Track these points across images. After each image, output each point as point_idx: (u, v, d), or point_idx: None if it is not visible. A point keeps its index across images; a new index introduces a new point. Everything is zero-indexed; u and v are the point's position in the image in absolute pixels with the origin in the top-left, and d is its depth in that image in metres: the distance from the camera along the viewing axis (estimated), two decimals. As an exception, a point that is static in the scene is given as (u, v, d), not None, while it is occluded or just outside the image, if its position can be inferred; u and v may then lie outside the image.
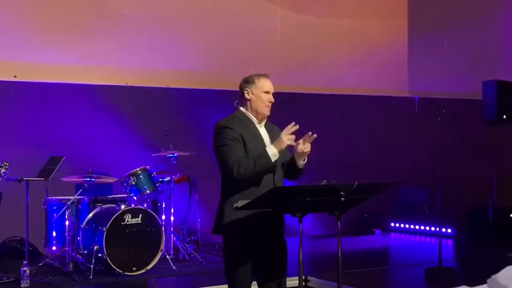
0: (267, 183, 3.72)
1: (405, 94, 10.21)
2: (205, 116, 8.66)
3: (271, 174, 3.77)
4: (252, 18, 9.13)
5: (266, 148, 3.72)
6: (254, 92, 3.84)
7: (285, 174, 3.90)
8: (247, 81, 3.87)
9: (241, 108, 3.90)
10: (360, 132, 9.58)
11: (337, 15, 9.79)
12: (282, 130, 3.78)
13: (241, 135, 3.73)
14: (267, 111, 3.86)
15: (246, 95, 3.86)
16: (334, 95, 9.57)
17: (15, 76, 7.72)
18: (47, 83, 7.86)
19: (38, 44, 7.86)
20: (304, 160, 3.81)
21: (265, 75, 3.90)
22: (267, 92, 3.85)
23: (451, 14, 10.32)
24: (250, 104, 3.86)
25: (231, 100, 9.41)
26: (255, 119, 3.87)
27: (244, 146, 3.74)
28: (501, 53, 10.74)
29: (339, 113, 9.47)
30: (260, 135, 3.84)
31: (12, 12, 7.80)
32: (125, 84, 8.29)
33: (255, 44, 9.12)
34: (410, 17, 10.29)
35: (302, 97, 9.21)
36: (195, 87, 8.67)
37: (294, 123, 3.70)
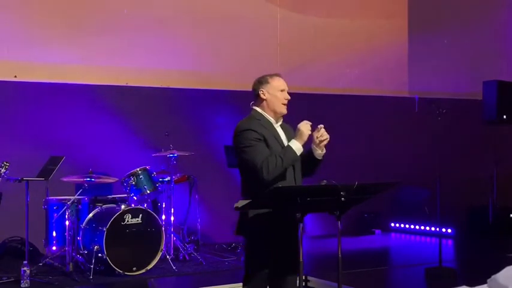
0: (289, 182, 3.76)
1: (405, 94, 10.21)
2: (206, 116, 8.67)
3: (292, 173, 3.81)
4: (252, 18, 9.13)
5: (289, 143, 3.78)
6: (270, 92, 3.88)
7: (303, 170, 3.92)
8: (261, 82, 3.91)
9: (257, 109, 3.93)
10: (359, 132, 9.58)
11: (337, 15, 9.79)
12: (293, 128, 3.87)
13: (263, 135, 3.77)
14: (284, 110, 3.91)
15: (261, 95, 3.89)
16: (334, 95, 9.57)
17: (15, 76, 7.72)
18: (47, 83, 7.86)
19: (38, 44, 7.85)
20: (322, 151, 3.86)
21: (278, 74, 3.96)
22: (282, 91, 3.90)
23: (451, 14, 10.32)
24: (266, 104, 3.89)
25: (230, 100, 9.47)
26: (272, 118, 3.90)
27: (266, 145, 3.77)
28: (501, 53, 10.74)
29: (339, 113, 9.46)
30: (278, 135, 3.88)
31: (12, 12, 7.80)
32: (125, 84, 8.29)
33: (255, 44, 9.12)
34: (410, 17, 10.29)
35: (302, 97, 9.20)
36: (195, 87, 8.67)
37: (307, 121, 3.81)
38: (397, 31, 10.23)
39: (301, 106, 9.38)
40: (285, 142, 3.87)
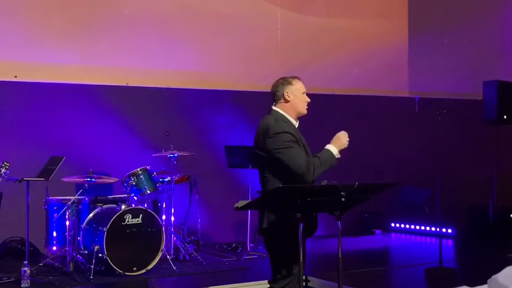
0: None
1: (405, 94, 10.21)
2: (206, 116, 8.67)
3: None
4: (252, 18, 9.12)
5: (328, 148, 3.89)
6: (295, 94, 3.97)
7: None
8: (284, 84, 4.00)
9: (278, 109, 3.98)
10: (360, 132, 9.55)
11: (338, 15, 9.79)
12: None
13: (297, 138, 3.86)
14: (305, 111, 4.02)
15: (286, 97, 3.96)
16: (334, 95, 9.57)
17: (15, 76, 7.72)
18: (47, 83, 7.86)
19: (38, 44, 7.85)
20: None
21: (298, 77, 4.06)
22: (304, 93, 4.02)
23: (451, 14, 10.32)
24: (290, 106, 3.97)
25: (230, 100, 9.45)
26: (294, 120, 3.97)
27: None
28: (501, 53, 10.74)
29: (339, 113, 9.47)
30: (302, 137, 3.97)
31: (12, 13, 7.79)
32: (125, 84, 8.29)
33: (255, 44, 9.12)
34: (410, 17, 10.29)
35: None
36: (195, 87, 8.67)
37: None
38: (397, 31, 10.23)
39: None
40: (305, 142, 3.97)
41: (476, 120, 9.24)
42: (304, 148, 3.91)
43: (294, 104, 3.96)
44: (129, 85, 8.31)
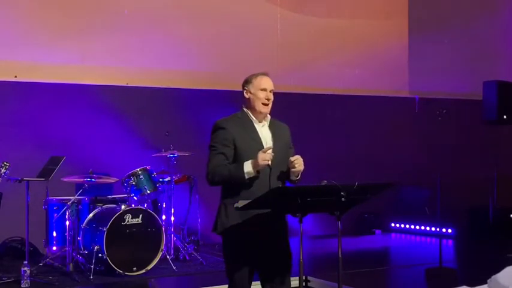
0: (262, 185, 3.71)
1: (405, 94, 10.21)
2: (206, 116, 8.66)
3: (268, 177, 3.76)
4: (252, 18, 9.12)
5: (244, 164, 3.70)
6: (252, 91, 3.86)
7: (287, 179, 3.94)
8: (246, 81, 3.92)
9: (244, 108, 3.94)
10: (360, 132, 9.58)
11: (337, 15, 9.79)
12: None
13: (233, 137, 3.75)
14: (264, 109, 3.85)
15: (245, 94, 3.90)
16: (334, 95, 9.57)
17: (15, 76, 7.72)
18: (47, 83, 7.86)
19: (38, 44, 7.85)
20: (297, 176, 3.86)
21: (264, 73, 3.93)
22: (264, 90, 3.85)
23: (451, 14, 10.33)
24: (249, 103, 3.89)
25: (230, 100, 9.43)
26: (255, 118, 3.88)
27: (236, 147, 3.76)
28: (501, 53, 10.74)
29: (339, 113, 9.47)
30: (258, 136, 3.84)
31: (12, 12, 7.80)
32: (125, 84, 8.29)
33: (255, 44, 9.12)
34: (410, 17, 10.29)
35: (302, 97, 9.22)
36: (195, 87, 8.67)
37: (270, 146, 3.75)
38: (397, 31, 10.23)
39: (301, 106, 9.44)
40: (268, 141, 3.84)
41: (476, 120, 9.24)
42: (257, 146, 3.75)
43: (252, 101, 3.85)
44: (129, 85, 8.31)
